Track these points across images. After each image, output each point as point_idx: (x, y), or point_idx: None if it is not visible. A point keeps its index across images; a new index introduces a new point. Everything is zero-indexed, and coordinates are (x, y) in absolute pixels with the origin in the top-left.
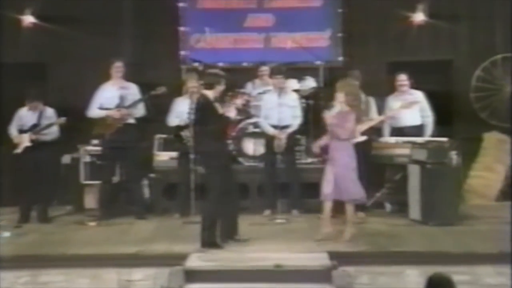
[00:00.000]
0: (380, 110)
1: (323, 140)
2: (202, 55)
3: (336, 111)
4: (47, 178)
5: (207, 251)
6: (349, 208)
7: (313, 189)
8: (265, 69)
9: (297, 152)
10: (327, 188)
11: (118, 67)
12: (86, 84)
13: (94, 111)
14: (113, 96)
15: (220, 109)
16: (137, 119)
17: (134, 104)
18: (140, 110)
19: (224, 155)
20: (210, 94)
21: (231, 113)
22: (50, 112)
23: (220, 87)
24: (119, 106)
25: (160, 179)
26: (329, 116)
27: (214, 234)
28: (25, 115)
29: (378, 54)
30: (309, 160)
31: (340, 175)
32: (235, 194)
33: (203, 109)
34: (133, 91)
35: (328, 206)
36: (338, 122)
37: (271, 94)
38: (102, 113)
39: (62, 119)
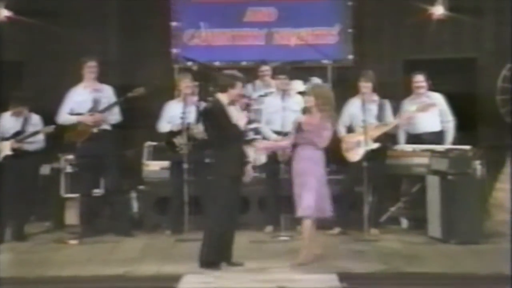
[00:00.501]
0: (396, 114)
1: (276, 144)
2: (197, 53)
3: (309, 116)
4: (26, 191)
5: (203, 272)
6: (308, 225)
7: None
8: (266, 68)
9: None
10: (307, 201)
11: (91, 67)
12: (66, 84)
13: (64, 117)
14: (85, 100)
15: (233, 117)
16: (114, 125)
17: (108, 108)
18: (115, 115)
19: (236, 164)
20: (224, 98)
21: (242, 120)
22: (35, 119)
23: (235, 91)
24: (92, 111)
25: (150, 191)
26: (306, 121)
27: (215, 252)
28: (8, 121)
29: (392, 52)
30: None
31: (317, 189)
32: (237, 209)
33: (214, 116)
34: (107, 94)
35: (308, 224)
36: (314, 128)
37: (273, 96)
38: (73, 119)
39: (50, 128)
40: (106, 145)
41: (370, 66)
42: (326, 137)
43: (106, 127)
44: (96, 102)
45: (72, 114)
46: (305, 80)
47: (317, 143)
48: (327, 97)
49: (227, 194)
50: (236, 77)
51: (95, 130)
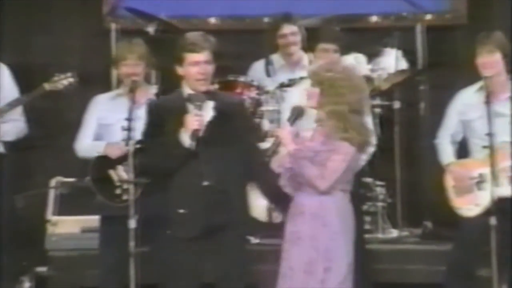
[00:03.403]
0: None
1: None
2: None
3: (312, 129)
4: None
5: None
6: None
7: None
8: (293, 30)
9: (367, 199)
10: None
11: None
12: None
13: None
14: None
15: (188, 122)
16: (9, 144)
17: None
18: (14, 128)
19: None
20: (187, 87)
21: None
22: None
23: (197, 69)
24: None
25: (59, 278)
26: (295, 137)
27: None
28: None
29: None
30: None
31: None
32: None
33: (226, 118)
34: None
35: None
36: (315, 153)
37: (306, 86)
38: None
39: None
40: None
41: (485, 26)
42: (336, 170)
43: None
44: None
45: None
46: (372, 53)
47: (318, 184)
48: (348, 87)
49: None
50: (201, 43)
51: None
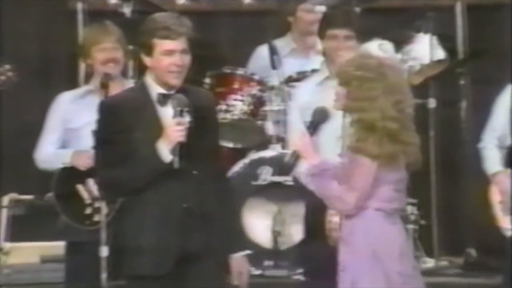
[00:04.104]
0: None
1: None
2: None
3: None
4: None
5: None
6: None
7: None
8: (313, 8)
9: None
10: None
11: None
12: None
13: None
14: None
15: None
16: None
17: None
18: None
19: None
20: (150, 80)
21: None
22: None
23: (174, 59)
24: None
25: None
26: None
27: None
28: None
29: None
30: None
31: None
32: None
33: (202, 123)
34: None
35: None
36: (337, 167)
37: (318, 80)
38: None
39: None
40: None
41: None
42: (358, 188)
43: None
44: None
45: None
46: (400, 40)
47: (337, 207)
48: (382, 88)
49: None
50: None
51: None
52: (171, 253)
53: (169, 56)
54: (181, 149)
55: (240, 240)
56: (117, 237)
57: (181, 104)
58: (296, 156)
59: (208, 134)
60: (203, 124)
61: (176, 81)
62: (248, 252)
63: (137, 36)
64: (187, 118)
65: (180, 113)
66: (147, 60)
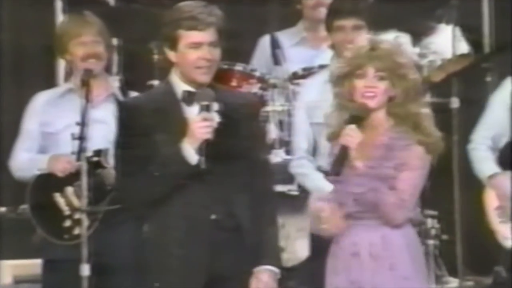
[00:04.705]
0: None
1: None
2: None
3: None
4: None
5: None
6: None
7: None
8: None
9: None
10: None
11: None
12: None
13: None
14: None
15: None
16: None
17: None
18: None
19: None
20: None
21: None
22: None
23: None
24: None
25: None
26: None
27: None
28: None
29: None
30: None
31: None
32: None
33: (235, 125)
34: None
35: None
36: (375, 164)
37: (326, 77)
38: None
39: None
40: None
41: None
42: (414, 193)
43: None
44: None
45: None
46: (420, 33)
47: (393, 216)
48: (416, 74)
49: None
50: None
51: None
52: (198, 274)
53: (197, 49)
54: (208, 149)
55: (272, 254)
56: (117, 248)
57: (207, 98)
58: (343, 155)
59: (244, 138)
60: (237, 126)
61: (204, 77)
62: (276, 270)
63: (160, 28)
64: (214, 114)
65: (206, 108)
66: (171, 55)
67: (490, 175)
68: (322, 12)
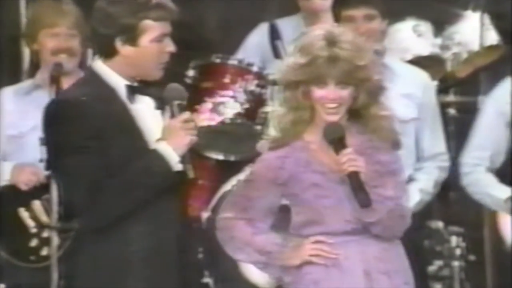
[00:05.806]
0: None
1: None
2: None
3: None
4: None
5: None
6: None
7: None
8: None
9: (436, 255)
10: None
11: None
12: None
13: None
14: None
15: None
16: None
17: None
18: None
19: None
20: (104, 68)
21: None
22: None
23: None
24: None
25: None
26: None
27: None
28: None
29: None
30: None
31: None
32: None
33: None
34: None
35: None
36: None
37: None
38: None
39: None
40: None
41: None
42: (404, 190)
43: None
44: None
45: None
46: (442, 21)
47: (407, 223)
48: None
49: None
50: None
51: None
52: None
53: (159, 42)
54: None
55: None
56: (83, 279)
57: (179, 97)
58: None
59: None
60: None
61: (161, 72)
62: None
63: (110, 19)
64: (187, 114)
65: (180, 109)
66: (125, 50)
67: (506, 199)
68: (317, 2)
